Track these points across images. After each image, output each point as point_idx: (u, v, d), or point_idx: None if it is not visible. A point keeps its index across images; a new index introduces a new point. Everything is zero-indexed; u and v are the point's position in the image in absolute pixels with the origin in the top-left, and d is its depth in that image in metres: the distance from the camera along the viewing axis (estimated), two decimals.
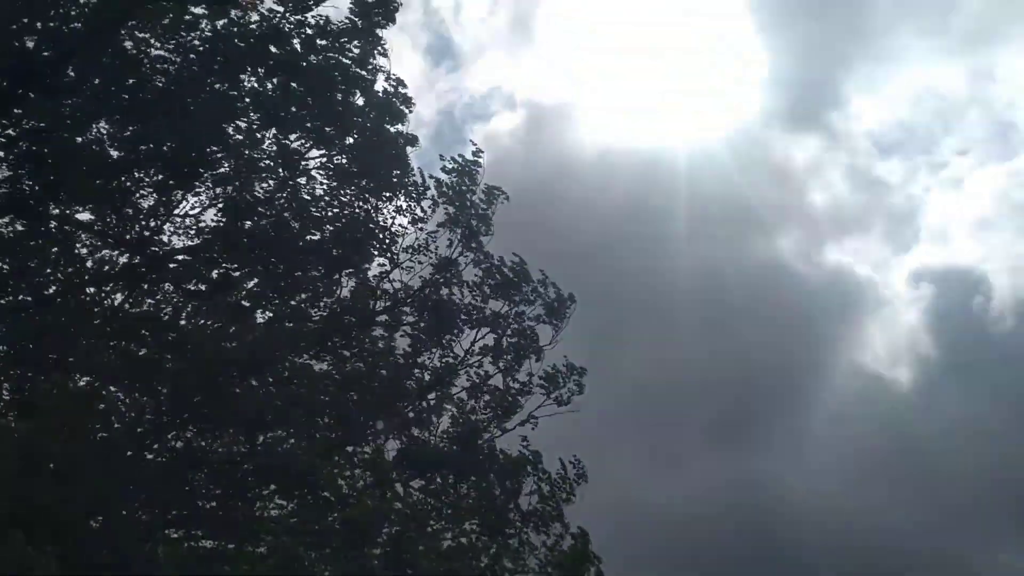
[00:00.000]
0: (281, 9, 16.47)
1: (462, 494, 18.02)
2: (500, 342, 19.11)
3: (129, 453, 16.58)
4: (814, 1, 76.01)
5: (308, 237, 17.75)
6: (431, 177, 18.92)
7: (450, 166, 19.40)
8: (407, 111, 17.81)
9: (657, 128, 76.30)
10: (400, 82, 17.71)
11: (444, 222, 19.07)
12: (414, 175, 18.63)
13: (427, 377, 19.29)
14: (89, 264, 18.53)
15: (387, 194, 18.07)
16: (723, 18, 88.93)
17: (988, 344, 52.15)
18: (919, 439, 46.49)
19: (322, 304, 18.86)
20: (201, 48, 16.41)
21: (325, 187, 17.98)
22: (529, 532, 17.71)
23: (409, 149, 18.07)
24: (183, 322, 18.59)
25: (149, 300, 19.00)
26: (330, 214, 17.79)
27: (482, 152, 19.83)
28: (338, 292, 18.82)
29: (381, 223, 18.28)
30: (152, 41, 16.64)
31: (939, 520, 42.58)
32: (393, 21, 16.90)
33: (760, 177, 64.64)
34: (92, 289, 18.65)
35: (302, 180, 17.92)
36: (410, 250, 18.95)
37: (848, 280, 60.93)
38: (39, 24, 15.83)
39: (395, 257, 18.78)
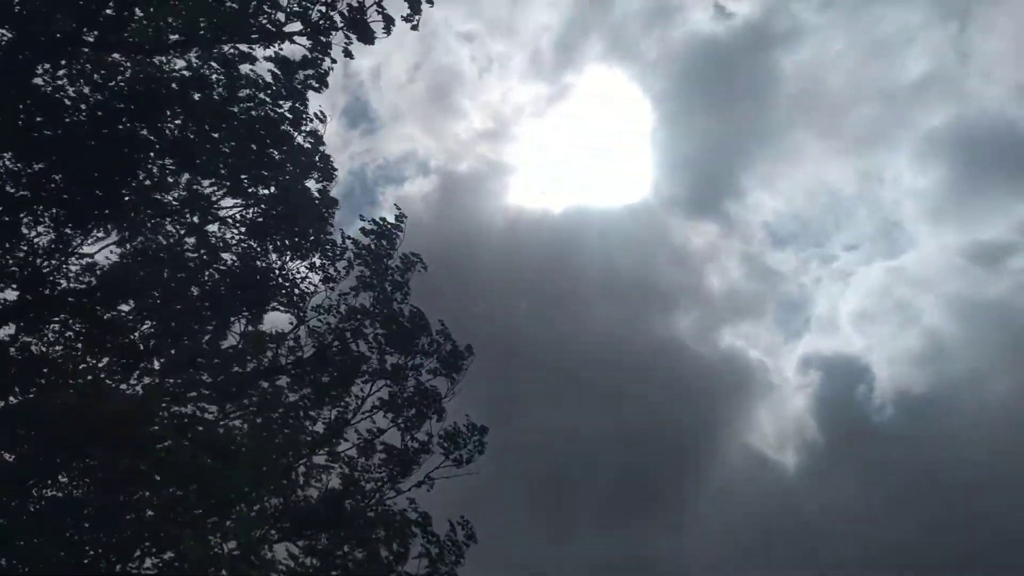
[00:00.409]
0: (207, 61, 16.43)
1: (348, 556, 17.70)
2: (397, 396, 18.94)
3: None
4: (717, 97, 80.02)
5: (206, 282, 17.52)
6: (348, 238, 18.95)
7: (370, 227, 19.42)
8: (332, 173, 17.86)
9: (565, 201, 78.50)
10: (320, 140, 17.83)
11: (357, 285, 19.00)
12: (331, 235, 18.62)
13: (321, 430, 19.11)
14: None
15: (300, 251, 17.95)
16: (631, 102, 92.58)
17: (869, 432, 54.28)
18: (803, 520, 47.77)
19: (213, 351, 18.29)
20: (119, 91, 16.21)
21: (236, 236, 17.82)
22: None
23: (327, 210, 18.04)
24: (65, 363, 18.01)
25: (32, 338, 18.40)
26: (236, 263, 17.59)
27: (404, 218, 20.15)
28: (231, 340, 18.45)
29: (289, 277, 18.13)
30: (67, 82, 16.37)
31: None
32: (326, 85, 16.98)
33: (661, 256, 66.71)
34: None
35: (213, 228, 17.70)
36: (319, 309, 18.81)
37: (741, 362, 62.84)
38: None
39: (303, 314, 18.56)
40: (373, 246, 19.35)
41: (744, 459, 54.16)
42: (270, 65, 16.48)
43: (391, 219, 19.65)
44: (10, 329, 18.58)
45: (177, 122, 17.16)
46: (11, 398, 16.89)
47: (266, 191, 17.80)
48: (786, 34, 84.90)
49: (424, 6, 16.02)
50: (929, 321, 67.16)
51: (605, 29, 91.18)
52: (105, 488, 16.35)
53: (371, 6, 15.72)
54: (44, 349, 18.05)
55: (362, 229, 19.52)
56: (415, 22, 16.07)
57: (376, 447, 18.88)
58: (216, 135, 16.68)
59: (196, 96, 16.68)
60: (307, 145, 17.67)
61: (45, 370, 17.26)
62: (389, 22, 15.96)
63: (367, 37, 15.87)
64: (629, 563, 41.20)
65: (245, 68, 16.56)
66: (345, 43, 16.15)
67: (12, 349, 18.10)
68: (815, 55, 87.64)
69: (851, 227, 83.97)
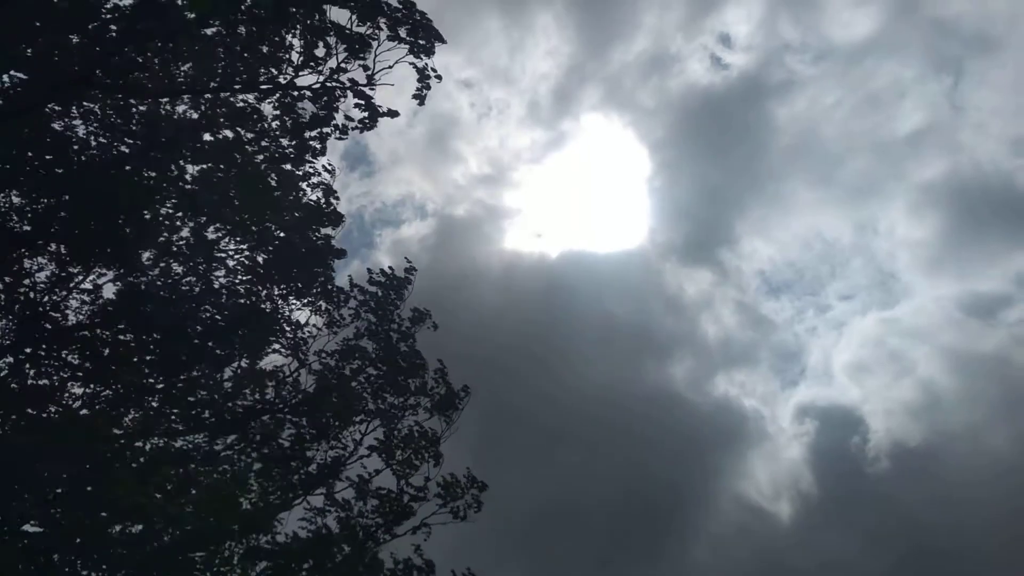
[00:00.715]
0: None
1: None
2: (391, 436, 18.88)
3: None
4: (712, 146, 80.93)
5: (208, 320, 17.55)
6: (356, 286, 18.99)
7: (378, 277, 19.63)
8: (340, 221, 18.03)
9: (562, 245, 78.96)
10: (330, 191, 18.00)
11: (362, 332, 19.00)
12: (336, 283, 18.74)
13: (314, 470, 18.97)
14: None
15: (304, 296, 18.03)
16: (628, 150, 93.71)
17: (863, 484, 54.03)
18: (797, 572, 47.37)
19: (210, 389, 18.30)
20: (132, 132, 16.40)
21: (240, 279, 17.92)
22: None
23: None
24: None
25: (32, 372, 18.40)
26: (238, 303, 17.66)
27: (415, 271, 20.13)
28: (229, 378, 18.40)
29: (290, 318, 18.18)
30: (79, 122, 16.59)
31: None
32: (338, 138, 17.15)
33: (656, 303, 66.84)
34: None
35: (219, 272, 17.81)
36: (321, 353, 18.81)
37: (735, 411, 62.64)
38: None
39: (304, 357, 18.54)
40: (380, 295, 19.39)
41: (738, 509, 53.82)
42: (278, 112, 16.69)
43: (399, 267, 19.85)
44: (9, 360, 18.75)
45: (185, 165, 17.31)
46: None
47: (272, 235, 17.89)
48: (780, 86, 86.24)
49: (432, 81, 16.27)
50: (924, 372, 67.17)
51: (602, 78, 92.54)
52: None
53: (379, 75, 15.90)
54: (42, 381, 18.07)
55: (370, 280, 19.58)
56: (423, 96, 16.33)
57: (370, 489, 18.68)
58: (223, 177, 16.83)
59: (205, 139, 16.86)
60: (315, 196, 17.85)
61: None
62: (393, 114, 16.37)
63: (373, 120, 16.21)
64: None
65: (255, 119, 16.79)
66: (346, 122, 16.46)
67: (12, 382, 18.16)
68: (809, 107, 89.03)
69: (846, 277, 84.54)
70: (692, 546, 48.67)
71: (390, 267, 19.69)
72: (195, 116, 17.09)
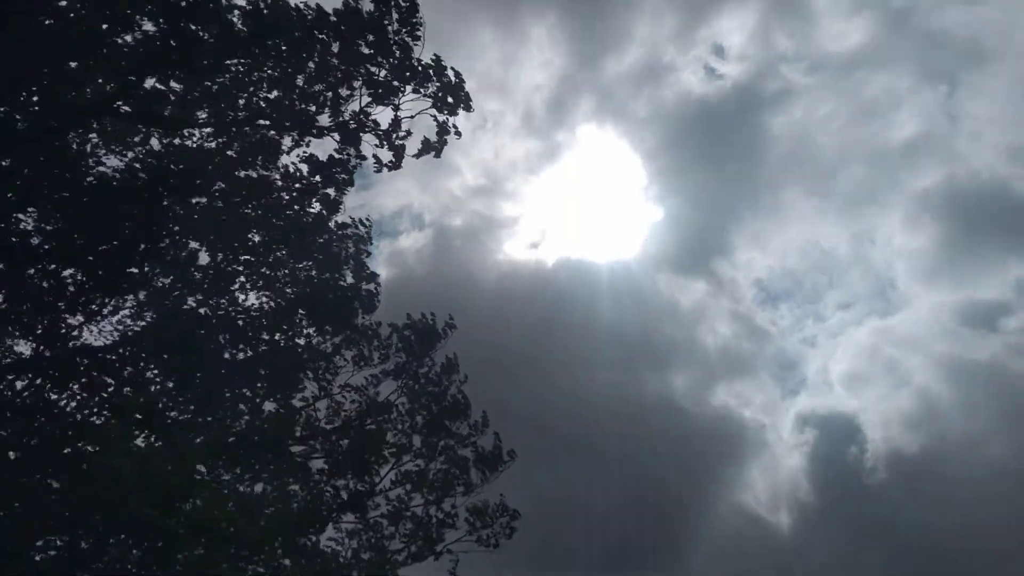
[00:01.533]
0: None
1: None
2: (426, 472, 18.67)
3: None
4: (707, 155, 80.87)
5: (237, 354, 17.19)
6: (390, 325, 18.66)
7: (417, 321, 19.38)
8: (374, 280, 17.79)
9: (555, 255, 78.75)
10: (363, 239, 17.72)
11: (392, 371, 18.70)
12: (370, 324, 18.39)
13: (344, 497, 18.57)
14: None
15: (336, 336, 17.74)
16: (623, 159, 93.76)
17: (862, 493, 54.09)
18: None
19: (240, 423, 17.91)
20: (149, 160, 16.08)
21: (266, 307, 17.59)
22: None
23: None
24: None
25: (55, 395, 17.97)
26: (266, 336, 17.31)
27: (454, 327, 19.74)
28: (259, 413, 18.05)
29: (321, 352, 17.86)
30: (100, 148, 16.20)
31: None
32: (351, 184, 16.86)
33: (653, 313, 66.62)
34: None
35: (241, 297, 17.46)
36: (348, 387, 18.48)
37: (734, 421, 62.40)
38: None
39: (328, 389, 18.23)
40: (413, 339, 19.09)
41: (738, 517, 53.72)
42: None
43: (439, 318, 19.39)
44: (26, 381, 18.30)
45: (205, 199, 16.98)
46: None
47: (300, 274, 17.58)
48: (775, 95, 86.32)
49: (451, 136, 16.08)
50: (922, 381, 67.25)
51: (596, 89, 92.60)
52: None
53: (403, 124, 15.67)
54: (65, 404, 17.65)
55: (405, 323, 19.26)
56: (440, 148, 16.14)
57: (404, 515, 18.37)
58: (247, 213, 16.51)
59: (225, 171, 16.56)
60: (348, 247, 17.58)
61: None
62: (425, 148, 16.13)
63: (398, 161, 15.96)
64: None
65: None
66: (375, 164, 16.16)
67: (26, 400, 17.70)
68: (804, 116, 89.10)
69: (844, 286, 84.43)
70: (693, 554, 48.60)
71: (432, 313, 19.36)
72: (214, 147, 16.76)
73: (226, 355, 16.96)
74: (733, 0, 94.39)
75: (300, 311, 17.10)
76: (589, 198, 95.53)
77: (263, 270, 17.12)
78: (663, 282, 75.35)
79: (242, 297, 17.41)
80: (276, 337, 17.04)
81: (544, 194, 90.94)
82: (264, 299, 17.44)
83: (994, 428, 55.85)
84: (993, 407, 57.53)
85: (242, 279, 17.26)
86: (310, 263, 17.12)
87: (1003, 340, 64.85)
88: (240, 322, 17.35)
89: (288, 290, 17.27)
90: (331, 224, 17.79)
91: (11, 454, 15.99)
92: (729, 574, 47.84)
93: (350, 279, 18.22)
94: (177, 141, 17.00)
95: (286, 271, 17.09)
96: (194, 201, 16.85)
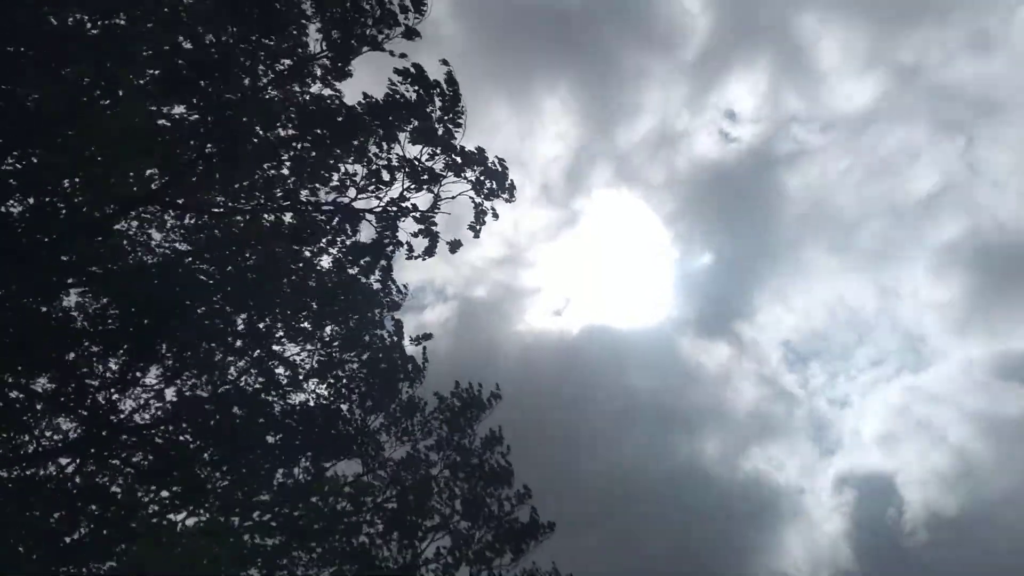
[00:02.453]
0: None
1: None
2: (471, 538, 18.55)
3: None
4: (725, 217, 79.89)
5: (278, 422, 17.26)
6: (436, 395, 18.72)
7: (462, 392, 19.44)
8: (422, 365, 17.89)
9: (580, 323, 78.64)
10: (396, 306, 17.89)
11: (434, 446, 18.78)
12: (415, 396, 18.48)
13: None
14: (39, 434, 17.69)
15: (384, 410, 17.80)
16: (642, 225, 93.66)
17: (901, 557, 53.28)
18: None
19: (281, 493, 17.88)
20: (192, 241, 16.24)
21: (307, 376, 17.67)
22: None
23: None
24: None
25: (101, 474, 18.10)
26: (309, 407, 17.39)
27: (499, 398, 19.74)
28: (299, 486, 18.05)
29: (366, 430, 17.92)
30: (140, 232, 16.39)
31: None
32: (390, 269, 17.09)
33: (680, 378, 65.80)
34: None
35: (280, 369, 17.54)
36: (391, 463, 18.53)
37: (769, 485, 61.22)
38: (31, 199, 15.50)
39: (372, 464, 18.30)
40: (457, 408, 19.17)
41: None
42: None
43: (486, 388, 19.31)
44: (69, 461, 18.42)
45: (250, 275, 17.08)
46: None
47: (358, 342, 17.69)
48: (789, 156, 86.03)
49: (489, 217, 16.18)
50: (956, 438, 66.06)
51: (612, 157, 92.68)
52: None
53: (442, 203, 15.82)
54: (108, 482, 17.76)
55: (453, 393, 19.28)
56: (478, 229, 16.24)
57: None
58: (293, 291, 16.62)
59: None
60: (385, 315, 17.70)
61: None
62: (456, 245, 16.22)
63: (432, 249, 16.09)
64: None
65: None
66: (407, 252, 16.28)
67: (75, 480, 17.82)
68: (820, 174, 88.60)
69: (872, 343, 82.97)
70: None
71: (479, 384, 19.42)
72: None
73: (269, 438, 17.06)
74: (742, 65, 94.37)
75: (351, 386, 17.24)
76: (609, 264, 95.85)
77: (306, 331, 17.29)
78: (688, 346, 74.61)
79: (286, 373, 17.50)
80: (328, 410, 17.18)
81: (565, 261, 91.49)
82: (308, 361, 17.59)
83: None
84: None
85: (285, 342, 17.38)
86: (358, 328, 17.24)
87: None
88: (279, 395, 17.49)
89: (335, 354, 17.42)
90: (368, 287, 17.89)
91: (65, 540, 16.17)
92: None
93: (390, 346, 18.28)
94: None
95: (332, 336, 17.23)
96: (230, 269, 17.02)
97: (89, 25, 13.51)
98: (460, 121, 15.01)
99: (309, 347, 17.57)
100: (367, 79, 15.93)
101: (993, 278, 74.78)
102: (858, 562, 55.22)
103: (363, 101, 14.81)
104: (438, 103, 14.90)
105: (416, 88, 14.79)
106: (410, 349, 18.87)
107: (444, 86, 14.83)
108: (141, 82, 13.62)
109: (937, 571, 50.08)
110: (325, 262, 16.77)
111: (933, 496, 58.28)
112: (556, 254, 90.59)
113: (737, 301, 79.28)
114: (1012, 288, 73.77)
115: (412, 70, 14.77)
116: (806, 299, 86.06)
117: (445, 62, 14.81)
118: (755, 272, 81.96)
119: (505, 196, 15.51)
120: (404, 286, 17.58)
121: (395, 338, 17.79)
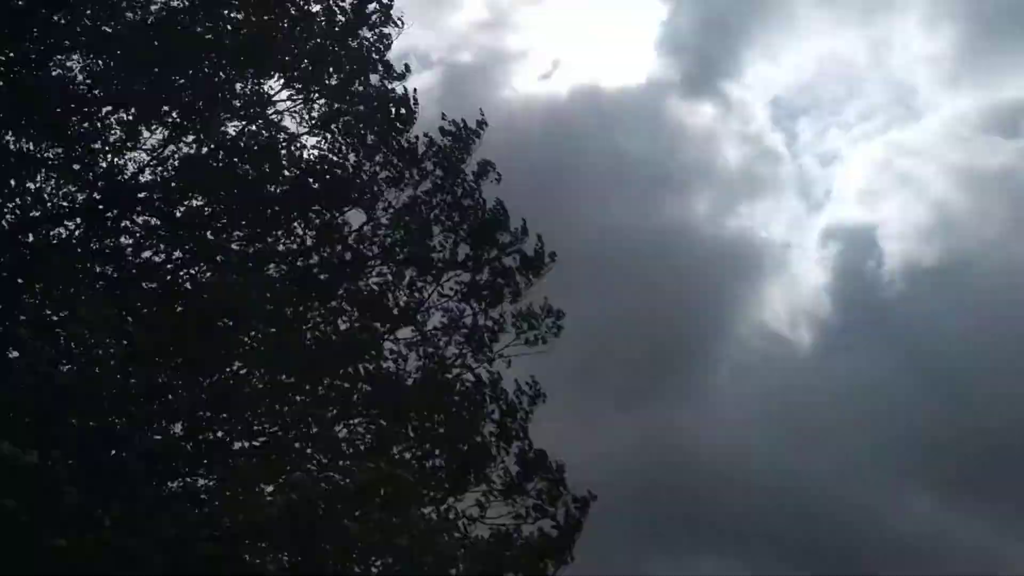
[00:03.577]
0: None
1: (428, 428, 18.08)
2: (475, 281, 19.23)
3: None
4: None
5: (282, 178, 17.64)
6: (426, 135, 18.87)
7: (448, 128, 19.17)
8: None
9: (557, 83, 76.81)
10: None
11: (430, 189, 18.91)
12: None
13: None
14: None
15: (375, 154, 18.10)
16: None
17: (879, 307, 55.40)
18: (819, 394, 49.20)
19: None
20: None
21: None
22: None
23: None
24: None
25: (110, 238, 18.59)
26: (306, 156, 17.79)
27: (486, 125, 19.55)
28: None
29: (364, 175, 18.26)
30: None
31: (845, 470, 44.95)
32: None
33: (667, 136, 64.98)
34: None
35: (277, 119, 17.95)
36: (390, 209, 18.68)
37: (754, 242, 61.77)
38: None
39: (374, 214, 18.60)
40: (448, 147, 19.03)
41: (758, 337, 54.40)
42: None
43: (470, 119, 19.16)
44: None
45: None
46: None
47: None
48: None
49: None
50: (937, 192, 66.25)
51: None
52: None
53: None
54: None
55: (441, 128, 19.11)
56: None
57: (459, 326, 19.06)
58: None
59: None
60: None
61: None
62: None
63: None
64: (653, 443, 41.93)
65: None
66: None
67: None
68: None
69: (863, 96, 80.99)
70: (713, 374, 50.09)
71: (463, 119, 19.23)
72: None
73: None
74: None
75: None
76: (596, 24, 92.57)
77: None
78: (679, 105, 73.16)
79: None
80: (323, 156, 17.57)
81: (551, 22, 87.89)
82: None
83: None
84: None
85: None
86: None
87: (1015, 146, 63.22)
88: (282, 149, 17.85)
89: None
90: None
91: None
92: (752, 391, 49.29)
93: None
94: None
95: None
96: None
97: None
98: None
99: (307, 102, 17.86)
100: None
101: (986, 28, 72.66)
102: (836, 314, 57.44)
103: None
104: None
105: None
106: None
107: None
108: None
109: (912, 319, 53.11)
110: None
111: (912, 248, 59.65)
112: (543, 15, 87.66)
113: (727, 58, 77.68)
114: (1005, 38, 71.80)
115: None
116: (795, 55, 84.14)
117: None
118: (746, 28, 79.59)
119: None
120: (400, 19, 17.65)
121: (385, 82, 17.98)
